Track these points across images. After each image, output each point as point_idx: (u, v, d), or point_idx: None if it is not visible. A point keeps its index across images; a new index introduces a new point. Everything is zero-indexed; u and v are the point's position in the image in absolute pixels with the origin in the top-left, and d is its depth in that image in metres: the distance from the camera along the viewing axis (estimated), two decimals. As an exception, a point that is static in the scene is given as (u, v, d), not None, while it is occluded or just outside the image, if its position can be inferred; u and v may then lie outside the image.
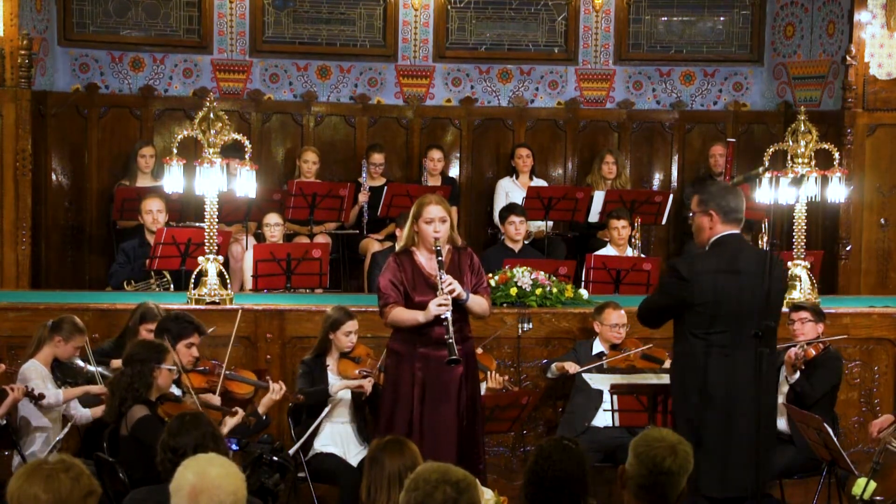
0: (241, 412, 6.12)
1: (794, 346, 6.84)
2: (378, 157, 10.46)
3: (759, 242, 9.09)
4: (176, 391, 5.89)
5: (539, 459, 4.07)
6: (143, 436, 5.35)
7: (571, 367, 7.26)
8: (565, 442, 4.18)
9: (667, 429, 4.01)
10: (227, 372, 6.52)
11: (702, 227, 5.59)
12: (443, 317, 5.91)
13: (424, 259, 6.08)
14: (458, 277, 6.03)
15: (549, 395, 7.74)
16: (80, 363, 6.58)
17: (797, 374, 6.75)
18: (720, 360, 5.39)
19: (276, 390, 6.49)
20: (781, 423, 6.85)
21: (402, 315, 6.03)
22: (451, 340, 5.89)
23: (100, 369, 6.50)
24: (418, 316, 5.99)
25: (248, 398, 6.55)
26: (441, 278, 5.94)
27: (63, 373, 6.55)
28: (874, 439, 6.46)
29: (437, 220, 5.99)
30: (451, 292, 5.91)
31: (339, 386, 6.61)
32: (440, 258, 5.98)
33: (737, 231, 5.57)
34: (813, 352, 6.81)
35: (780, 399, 6.83)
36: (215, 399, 6.35)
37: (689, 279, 5.46)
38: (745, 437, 5.33)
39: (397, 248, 6.20)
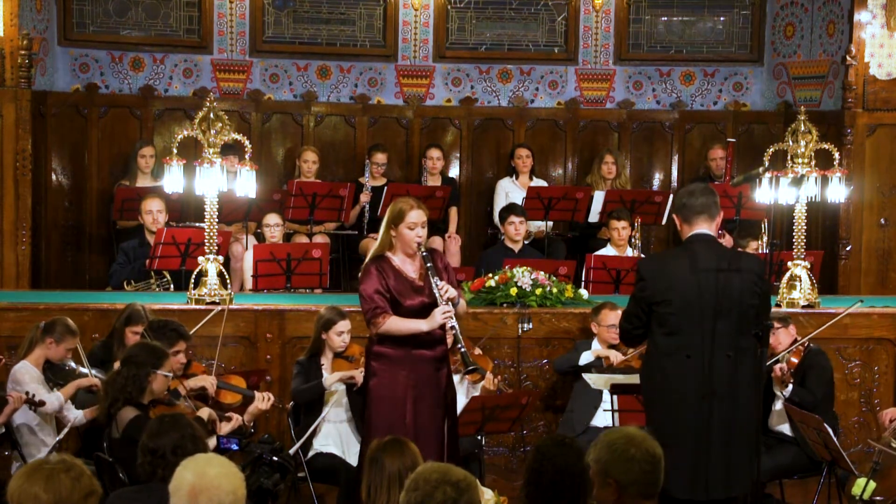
0: (236, 417, 6.11)
1: (776, 361, 6.76)
2: (381, 157, 10.47)
3: (760, 242, 9.10)
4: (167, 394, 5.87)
5: (538, 457, 4.08)
6: (135, 436, 5.32)
7: (615, 357, 7.22)
8: (562, 438, 4.20)
9: (629, 426, 4.06)
10: (218, 381, 6.52)
11: (678, 230, 5.62)
12: (449, 325, 5.88)
13: (402, 264, 5.97)
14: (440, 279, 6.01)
15: (549, 395, 7.75)
16: (73, 364, 6.56)
17: (789, 388, 6.70)
18: (682, 360, 5.34)
19: (264, 399, 6.48)
20: (782, 426, 6.84)
21: (400, 325, 5.88)
22: (464, 349, 5.93)
23: (93, 371, 6.48)
24: (420, 325, 5.89)
25: (237, 406, 6.53)
26: (437, 284, 5.89)
27: (55, 374, 6.52)
28: (885, 427, 6.43)
29: (420, 225, 5.92)
30: (450, 299, 5.90)
31: (332, 379, 6.60)
32: (430, 263, 5.91)
33: (706, 231, 5.48)
34: (794, 360, 6.76)
35: (778, 405, 6.81)
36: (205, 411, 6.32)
37: (646, 277, 5.45)
38: (706, 439, 5.31)
39: (370, 253, 6.08)
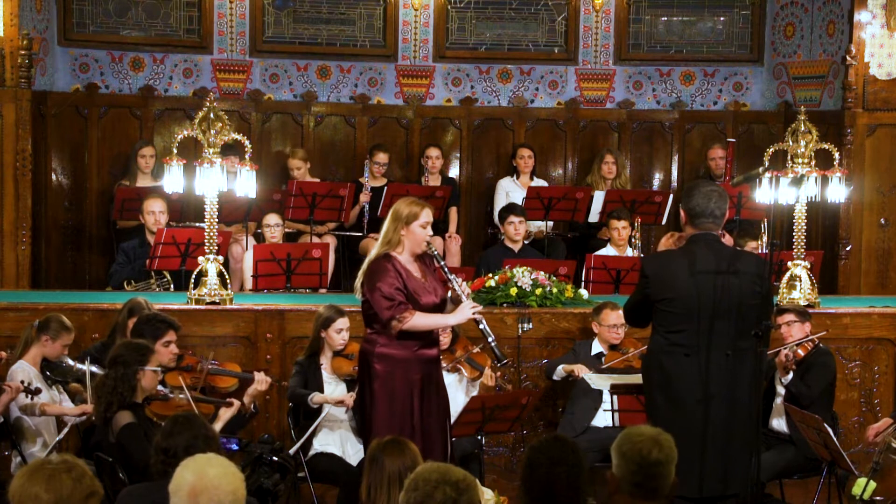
0: (236, 402, 6.10)
1: (783, 348, 6.80)
2: (383, 157, 10.46)
3: (760, 242, 9.10)
4: (162, 389, 5.87)
5: (531, 453, 4.08)
6: (127, 444, 5.33)
7: (580, 370, 7.24)
8: (554, 434, 4.22)
9: (644, 425, 4.04)
10: (211, 367, 6.52)
11: (682, 223, 5.65)
12: (478, 319, 5.88)
13: (408, 263, 5.95)
14: (434, 280, 6.02)
15: (549, 395, 7.75)
16: (71, 361, 6.56)
17: (790, 375, 6.73)
18: (680, 358, 5.37)
19: (261, 380, 6.48)
20: (781, 424, 6.86)
21: (427, 320, 5.85)
22: (494, 342, 5.92)
23: (92, 368, 6.46)
24: (448, 319, 5.94)
25: (233, 391, 6.54)
26: (456, 280, 5.93)
27: (53, 372, 6.53)
28: (871, 443, 6.46)
29: (429, 224, 5.95)
30: (468, 294, 5.93)
31: (319, 398, 6.56)
32: (443, 262, 5.98)
33: (711, 232, 5.51)
34: (801, 352, 6.78)
35: (778, 401, 6.83)
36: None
37: (649, 276, 5.49)
38: (703, 437, 5.32)
39: (376, 251, 6.02)
